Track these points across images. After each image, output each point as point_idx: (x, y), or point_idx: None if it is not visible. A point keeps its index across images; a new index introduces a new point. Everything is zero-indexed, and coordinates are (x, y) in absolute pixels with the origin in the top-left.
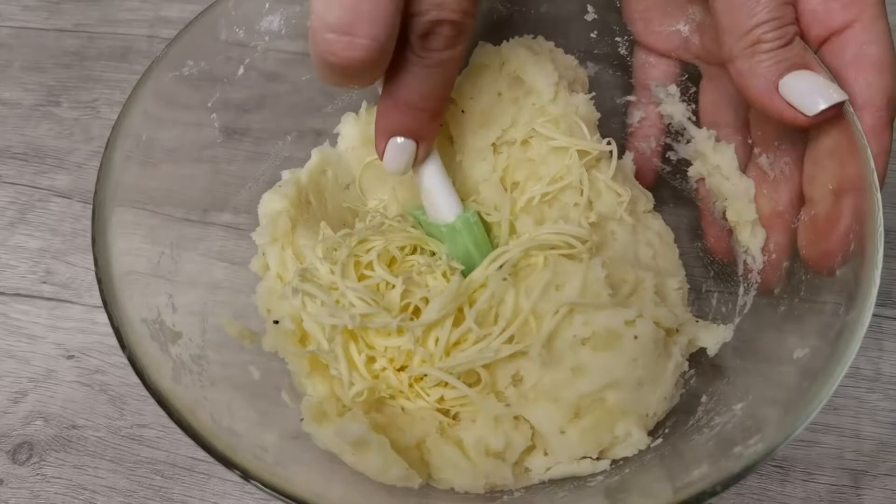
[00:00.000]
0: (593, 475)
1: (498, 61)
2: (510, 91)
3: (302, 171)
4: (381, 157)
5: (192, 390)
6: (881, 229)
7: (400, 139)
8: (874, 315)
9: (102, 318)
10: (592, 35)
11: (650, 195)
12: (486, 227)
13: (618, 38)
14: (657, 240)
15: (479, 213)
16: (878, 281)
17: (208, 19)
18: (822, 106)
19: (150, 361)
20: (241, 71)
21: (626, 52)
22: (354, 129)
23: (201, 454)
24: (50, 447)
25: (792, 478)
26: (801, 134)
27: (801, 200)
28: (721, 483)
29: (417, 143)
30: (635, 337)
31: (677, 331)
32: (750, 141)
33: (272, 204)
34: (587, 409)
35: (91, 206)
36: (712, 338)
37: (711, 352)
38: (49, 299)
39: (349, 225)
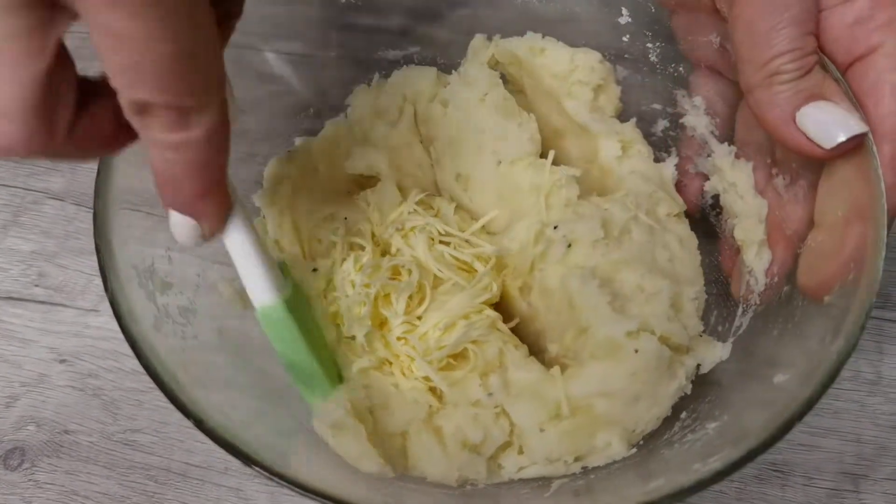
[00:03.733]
0: (561, 476)
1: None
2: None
3: (314, 140)
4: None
5: (170, 340)
6: (881, 264)
7: (176, 215)
8: (874, 318)
9: (96, 321)
10: (624, 39)
11: (680, 200)
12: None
13: (649, 45)
14: (677, 244)
15: (296, 286)
16: (867, 315)
17: None
18: (841, 138)
19: (131, 306)
20: (234, 71)
21: (656, 59)
22: (364, 100)
23: (195, 459)
24: (42, 452)
25: (792, 482)
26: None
27: (810, 226)
28: (669, 496)
29: (197, 220)
30: (636, 350)
31: (687, 350)
32: (769, 161)
33: (277, 168)
34: (572, 412)
35: (85, 209)
36: (710, 355)
37: (704, 369)
38: (41, 302)
39: (353, 193)
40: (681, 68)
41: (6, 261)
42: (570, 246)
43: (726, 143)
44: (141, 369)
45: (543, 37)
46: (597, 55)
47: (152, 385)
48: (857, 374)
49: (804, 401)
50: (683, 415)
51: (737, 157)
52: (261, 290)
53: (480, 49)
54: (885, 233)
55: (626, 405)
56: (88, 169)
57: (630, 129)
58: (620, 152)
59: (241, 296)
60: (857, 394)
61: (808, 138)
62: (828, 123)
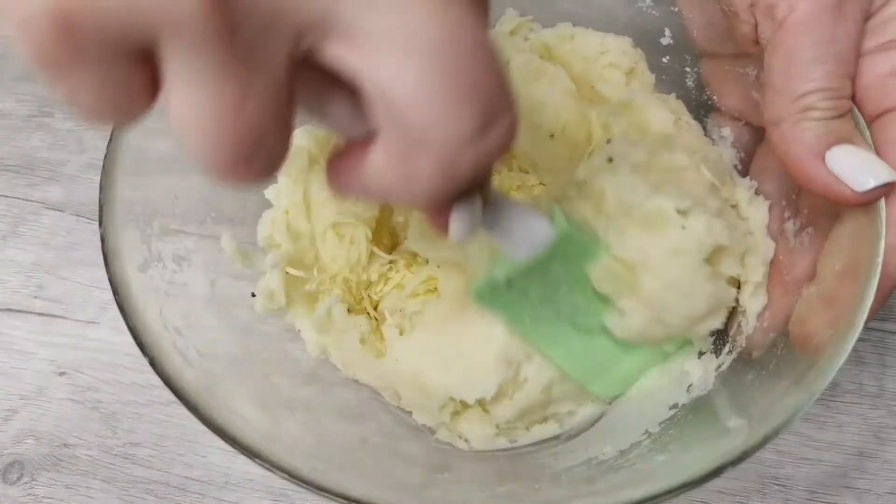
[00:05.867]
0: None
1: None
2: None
3: None
4: (441, 228)
5: (155, 282)
6: (860, 324)
7: (462, 204)
8: (877, 330)
9: (95, 334)
10: (664, 60)
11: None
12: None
13: (687, 69)
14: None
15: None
16: (830, 377)
17: None
18: (872, 184)
19: (124, 245)
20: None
21: (692, 84)
22: None
23: (195, 474)
24: (41, 466)
25: (795, 496)
26: (833, 207)
27: (810, 276)
28: None
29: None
30: (683, 227)
31: (739, 255)
32: (783, 203)
33: (297, 139)
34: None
35: (84, 220)
36: (699, 369)
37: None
38: (41, 314)
39: None
40: (714, 97)
41: (5, 272)
42: (610, 160)
43: (748, 178)
44: (141, 382)
45: (574, 25)
46: (628, 40)
47: (152, 398)
48: (859, 387)
49: (743, 450)
50: (647, 442)
51: (756, 193)
52: (541, 216)
53: (507, 20)
54: (871, 293)
55: (661, 288)
56: (87, 179)
57: (674, 101)
58: (673, 118)
59: (244, 254)
60: (860, 407)
61: (836, 179)
62: (858, 167)
